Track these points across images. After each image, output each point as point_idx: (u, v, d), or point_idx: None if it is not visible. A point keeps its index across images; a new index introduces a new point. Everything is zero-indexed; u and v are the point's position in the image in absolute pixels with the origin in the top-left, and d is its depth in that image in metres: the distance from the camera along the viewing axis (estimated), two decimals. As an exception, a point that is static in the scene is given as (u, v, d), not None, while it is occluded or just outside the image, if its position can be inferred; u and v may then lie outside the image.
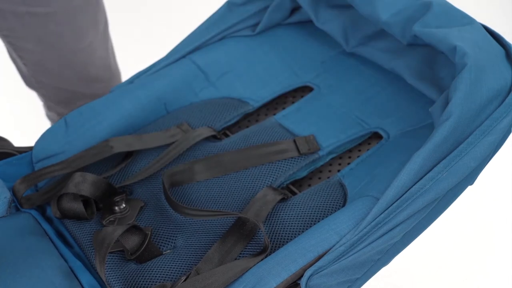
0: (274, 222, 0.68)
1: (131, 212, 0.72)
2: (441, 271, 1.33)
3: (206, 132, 0.78)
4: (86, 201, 0.72)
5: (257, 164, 0.75)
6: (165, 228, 0.70)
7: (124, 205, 0.71)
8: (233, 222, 0.68)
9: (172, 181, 0.73)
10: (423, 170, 0.60)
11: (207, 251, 0.66)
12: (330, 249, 0.59)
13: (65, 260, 0.68)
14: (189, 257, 0.67)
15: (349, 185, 0.71)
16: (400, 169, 0.60)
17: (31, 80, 1.08)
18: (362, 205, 0.63)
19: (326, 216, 0.66)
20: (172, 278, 0.65)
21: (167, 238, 0.70)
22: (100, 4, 1.00)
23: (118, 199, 0.72)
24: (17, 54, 1.02)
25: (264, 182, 0.73)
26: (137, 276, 0.65)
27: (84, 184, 0.70)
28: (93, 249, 0.68)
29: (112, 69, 1.11)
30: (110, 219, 0.71)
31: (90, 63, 1.03)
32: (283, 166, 0.74)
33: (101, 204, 0.73)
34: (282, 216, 0.68)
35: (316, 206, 0.68)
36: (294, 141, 0.76)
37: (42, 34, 0.95)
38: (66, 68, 1.02)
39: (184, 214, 0.69)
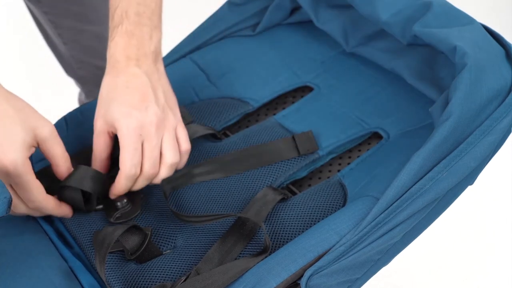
0: (274, 222, 0.68)
1: (133, 205, 0.72)
2: (441, 271, 1.33)
3: (200, 130, 0.78)
4: (85, 192, 0.72)
5: (257, 165, 0.75)
6: (165, 228, 0.70)
7: (125, 200, 0.72)
8: (233, 222, 0.68)
9: (171, 186, 0.73)
10: (423, 170, 0.60)
11: (207, 251, 0.66)
12: (330, 249, 0.59)
13: (65, 260, 0.68)
14: (189, 257, 0.67)
15: (349, 185, 0.71)
16: (400, 169, 0.60)
17: (70, 61, 1.11)
18: (362, 205, 0.63)
19: (326, 216, 0.66)
20: (172, 278, 0.65)
21: (167, 238, 0.70)
22: None
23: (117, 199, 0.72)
24: (57, 32, 1.06)
25: (264, 182, 0.73)
26: (137, 276, 0.65)
27: (86, 179, 0.70)
28: (93, 249, 0.68)
29: None
30: (117, 215, 0.71)
31: None
32: (283, 166, 0.74)
33: (102, 201, 0.72)
34: (282, 216, 0.68)
35: (316, 206, 0.68)
36: (293, 139, 0.75)
37: (80, 9, 0.99)
38: (104, 45, 1.05)
39: (185, 222, 0.69)
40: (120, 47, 0.70)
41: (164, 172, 0.70)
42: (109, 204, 0.72)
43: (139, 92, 0.68)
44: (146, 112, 0.67)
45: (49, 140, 0.66)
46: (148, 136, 0.67)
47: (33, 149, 0.65)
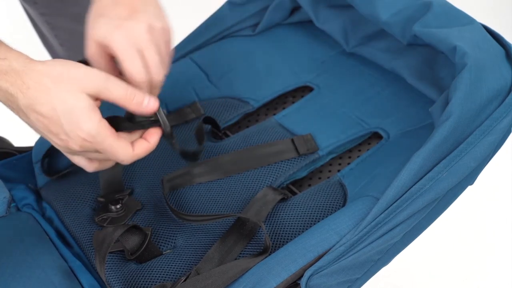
0: (274, 222, 0.68)
1: (125, 213, 0.72)
2: (441, 271, 1.33)
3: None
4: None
5: (256, 166, 0.75)
6: (165, 228, 0.70)
7: (119, 206, 0.71)
8: (233, 222, 0.68)
9: (171, 186, 0.73)
10: (423, 170, 0.60)
11: (207, 251, 0.66)
12: (330, 249, 0.59)
13: (65, 260, 0.68)
14: (189, 257, 0.67)
15: (349, 185, 0.71)
16: (400, 169, 0.60)
17: None
18: (362, 205, 0.62)
19: (326, 216, 0.66)
20: (172, 278, 0.65)
21: (167, 238, 0.70)
22: None
23: (117, 198, 0.72)
24: (54, 34, 1.05)
25: (264, 182, 0.73)
26: (137, 276, 0.65)
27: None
28: (93, 249, 0.68)
29: None
30: (103, 217, 0.71)
31: None
32: (283, 167, 0.74)
33: (102, 198, 0.73)
34: (282, 216, 0.68)
35: (316, 206, 0.68)
36: (292, 141, 0.75)
37: (77, 10, 0.99)
38: None
39: (184, 220, 0.69)
40: None
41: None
42: (104, 205, 0.72)
43: (128, 5, 0.65)
44: (137, 21, 0.63)
45: (103, 89, 0.60)
46: (143, 43, 0.63)
47: (99, 103, 0.61)
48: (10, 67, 0.57)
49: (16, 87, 0.57)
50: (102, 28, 0.63)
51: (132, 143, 0.63)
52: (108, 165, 0.66)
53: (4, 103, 0.60)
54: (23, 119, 0.60)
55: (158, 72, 0.64)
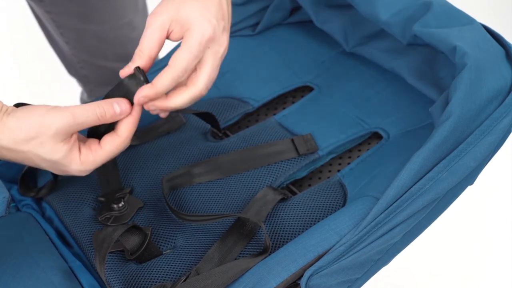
0: (274, 222, 0.68)
1: (128, 211, 0.72)
2: (441, 271, 1.33)
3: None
4: None
5: (256, 166, 0.75)
6: (165, 227, 0.70)
7: (122, 204, 0.71)
8: (233, 222, 0.68)
9: (171, 186, 0.73)
10: (423, 170, 0.60)
11: (207, 251, 0.66)
12: (330, 249, 0.59)
13: (65, 260, 0.68)
14: (189, 257, 0.67)
15: (349, 185, 0.71)
16: (400, 169, 0.60)
17: (72, 60, 1.11)
18: (362, 205, 0.62)
19: (326, 216, 0.66)
20: (172, 278, 0.65)
21: (167, 237, 0.70)
22: None
23: (118, 196, 0.72)
24: (60, 32, 1.05)
25: (264, 182, 0.73)
26: (137, 276, 0.65)
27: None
28: (93, 249, 0.68)
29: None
30: (106, 216, 0.71)
31: (129, 41, 1.07)
32: (283, 167, 0.74)
33: (103, 198, 0.73)
34: (282, 216, 0.68)
35: (316, 206, 0.68)
36: (292, 141, 0.76)
37: (83, 9, 0.99)
38: (106, 45, 1.05)
39: (184, 220, 0.69)
40: None
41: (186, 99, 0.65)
42: (105, 204, 0.72)
43: (218, 3, 0.64)
44: (219, 29, 0.63)
45: (74, 126, 0.61)
46: (214, 53, 0.63)
47: (75, 136, 0.62)
48: None
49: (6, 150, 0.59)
50: (191, 12, 0.62)
51: (102, 140, 0.64)
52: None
53: None
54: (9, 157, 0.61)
55: (206, 86, 0.65)
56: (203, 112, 0.76)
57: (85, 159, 0.62)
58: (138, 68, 0.63)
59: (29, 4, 1.06)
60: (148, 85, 0.63)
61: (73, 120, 0.60)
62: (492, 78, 0.62)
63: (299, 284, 0.59)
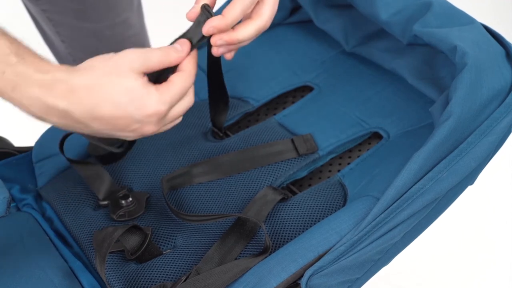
0: (274, 222, 0.68)
1: (139, 204, 0.72)
2: (441, 271, 1.33)
3: None
4: None
5: (256, 166, 0.75)
6: (165, 227, 0.71)
7: (130, 199, 0.72)
8: (233, 222, 0.68)
9: (171, 185, 0.73)
10: (423, 170, 0.60)
11: (207, 251, 0.66)
12: (331, 249, 0.59)
13: (65, 260, 0.68)
14: (189, 257, 0.67)
15: (349, 185, 0.71)
16: (400, 169, 0.60)
17: (68, 58, 1.11)
18: (362, 205, 0.63)
19: (326, 216, 0.66)
20: (172, 278, 0.65)
21: (167, 237, 0.70)
22: None
23: (122, 194, 0.72)
24: (56, 30, 1.05)
25: (264, 182, 0.73)
26: (137, 276, 0.65)
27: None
28: (93, 249, 0.68)
29: (146, 47, 1.13)
30: (120, 213, 0.71)
31: (125, 39, 1.07)
32: (283, 167, 0.74)
33: (105, 201, 0.73)
34: (282, 216, 0.68)
35: (316, 206, 0.68)
36: (292, 141, 0.76)
37: (79, 7, 0.99)
38: (102, 43, 1.05)
39: (184, 220, 0.69)
40: None
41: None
42: (114, 201, 0.72)
43: None
44: None
45: (146, 60, 0.58)
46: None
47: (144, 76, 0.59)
48: (54, 79, 0.54)
49: (66, 100, 0.54)
50: None
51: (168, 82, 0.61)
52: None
53: (57, 123, 0.57)
54: (82, 131, 0.58)
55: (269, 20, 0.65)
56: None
57: (162, 90, 0.58)
58: (205, 5, 0.63)
59: (24, 4, 1.06)
60: (218, 16, 0.62)
61: (144, 52, 0.58)
62: (492, 78, 0.62)
63: (300, 284, 0.59)
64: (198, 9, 0.62)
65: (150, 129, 0.59)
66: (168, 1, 1.84)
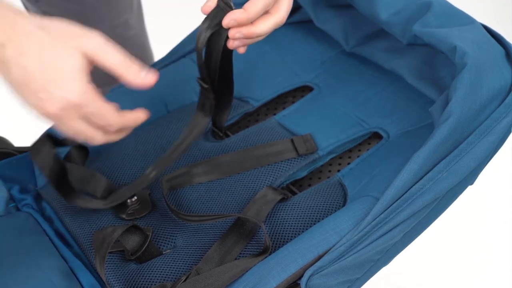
0: (274, 222, 0.68)
1: (144, 201, 0.72)
2: (441, 271, 1.33)
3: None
4: None
5: (256, 166, 0.75)
6: (165, 227, 0.70)
7: (135, 198, 0.72)
8: (233, 222, 0.68)
9: (170, 185, 0.73)
10: (423, 170, 0.60)
11: (207, 251, 0.66)
12: (330, 249, 0.59)
13: (65, 260, 0.68)
14: (189, 257, 0.67)
15: (349, 185, 0.71)
16: (400, 169, 0.60)
17: None
18: (362, 205, 0.63)
19: (326, 216, 0.66)
20: (172, 278, 0.65)
21: (167, 237, 0.70)
22: None
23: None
24: None
25: (264, 182, 0.73)
26: (137, 276, 0.65)
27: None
28: (93, 249, 0.68)
29: (147, 49, 1.13)
30: (129, 211, 0.72)
31: (125, 41, 1.06)
32: (283, 167, 0.74)
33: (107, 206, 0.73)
34: (282, 216, 0.68)
35: (316, 206, 0.68)
36: (292, 141, 0.76)
37: (79, 8, 0.99)
38: None
39: (184, 220, 0.69)
40: None
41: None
42: (119, 204, 0.72)
43: None
44: None
45: (101, 51, 0.56)
46: None
47: (90, 67, 0.57)
48: (3, 15, 0.53)
49: (5, 35, 0.53)
50: None
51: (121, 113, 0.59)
52: (114, 137, 0.61)
53: None
54: (2, 75, 0.55)
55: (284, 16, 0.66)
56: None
57: (91, 89, 0.56)
58: None
59: (24, 5, 1.06)
60: (240, 9, 0.62)
61: (105, 44, 0.57)
62: (492, 78, 0.62)
63: (299, 284, 0.59)
64: (213, 3, 0.63)
65: (51, 109, 0.55)
66: (168, 1, 1.84)
